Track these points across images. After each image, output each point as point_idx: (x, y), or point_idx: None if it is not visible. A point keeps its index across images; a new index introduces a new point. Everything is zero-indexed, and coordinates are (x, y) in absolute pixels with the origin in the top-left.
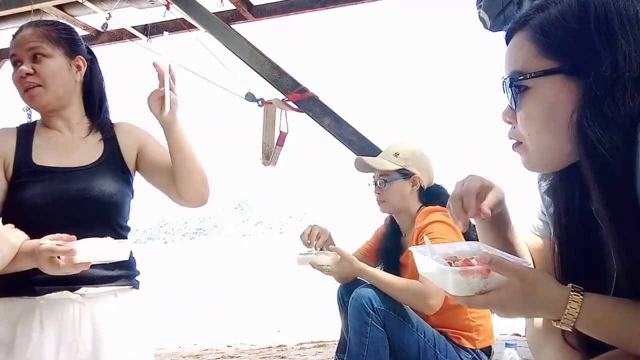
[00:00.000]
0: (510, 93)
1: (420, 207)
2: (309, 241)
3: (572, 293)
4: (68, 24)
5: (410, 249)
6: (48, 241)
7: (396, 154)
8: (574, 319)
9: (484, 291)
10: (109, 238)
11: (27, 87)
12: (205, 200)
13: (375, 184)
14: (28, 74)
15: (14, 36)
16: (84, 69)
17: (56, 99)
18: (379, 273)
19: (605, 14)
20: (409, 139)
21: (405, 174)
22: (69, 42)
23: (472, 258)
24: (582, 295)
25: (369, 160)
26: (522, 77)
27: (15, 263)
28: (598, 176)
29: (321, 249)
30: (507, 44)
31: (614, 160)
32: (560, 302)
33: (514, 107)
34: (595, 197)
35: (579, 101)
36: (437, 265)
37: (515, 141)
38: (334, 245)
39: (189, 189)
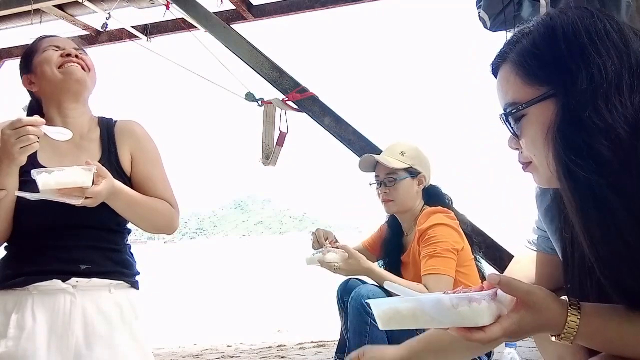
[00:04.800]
0: (510, 124)
1: (423, 207)
2: (320, 245)
3: (570, 308)
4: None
5: (376, 305)
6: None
7: (402, 153)
8: (574, 334)
9: (496, 317)
10: (75, 167)
11: (72, 64)
12: (172, 232)
13: (382, 184)
14: (76, 56)
15: (46, 36)
16: None
17: (92, 85)
18: (387, 275)
19: (574, 33)
20: (409, 139)
21: (412, 172)
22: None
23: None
24: (579, 309)
25: (380, 158)
26: (515, 109)
27: None
28: (572, 185)
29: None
30: (496, 77)
31: (594, 167)
32: (561, 318)
33: (516, 136)
34: (569, 208)
35: (556, 117)
36: (444, 299)
37: (525, 163)
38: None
39: (150, 230)
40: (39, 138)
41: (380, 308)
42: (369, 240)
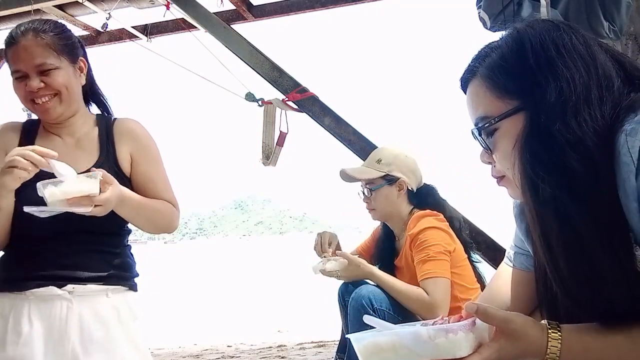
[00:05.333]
0: (482, 138)
1: (411, 210)
2: (322, 250)
3: (549, 331)
4: (64, 24)
5: (357, 341)
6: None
7: (379, 161)
8: (557, 358)
9: (474, 347)
10: (80, 175)
11: (40, 101)
12: (172, 231)
13: (363, 193)
14: (39, 89)
15: (11, 44)
16: (85, 70)
17: (69, 108)
18: (388, 278)
19: (541, 46)
20: (392, 144)
21: (389, 179)
22: (70, 47)
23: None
24: (559, 332)
25: (351, 171)
26: (487, 123)
27: None
28: (535, 199)
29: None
30: (465, 93)
31: (560, 178)
32: (542, 343)
33: (488, 150)
34: (531, 220)
35: (524, 130)
36: (421, 330)
37: (498, 177)
38: (341, 249)
39: (151, 232)
40: (37, 167)
41: (360, 343)
42: (363, 245)
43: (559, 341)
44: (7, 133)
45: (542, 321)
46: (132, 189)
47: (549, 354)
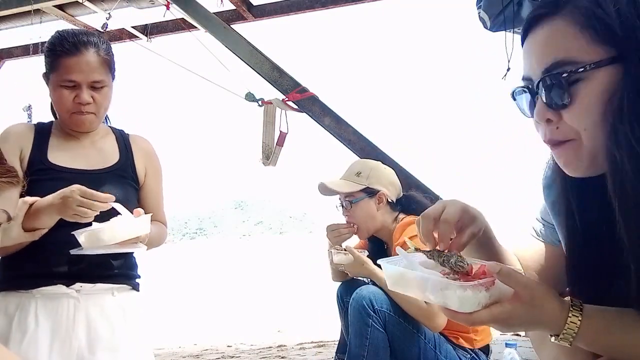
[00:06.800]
0: (559, 86)
1: (396, 217)
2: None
3: (572, 308)
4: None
5: (388, 268)
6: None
7: (358, 174)
8: (574, 335)
9: (487, 304)
10: (126, 216)
11: (82, 114)
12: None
13: (342, 207)
14: (88, 103)
15: (71, 53)
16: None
17: (99, 123)
18: None
19: None
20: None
21: (369, 192)
22: (114, 65)
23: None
24: (581, 310)
25: (331, 184)
26: (577, 69)
27: (37, 215)
28: (635, 167)
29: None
30: (529, 31)
31: None
32: (560, 317)
33: (566, 101)
34: (615, 194)
35: (624, 85)
36: (436, 279)
37: (560, 140)
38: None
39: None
40: (98, 212)
41: (390, 270)
42: (360, 243)
43: (579, 318)
44: (22, 133)
45: (566, 298)
46: (137, 197)
47: (567, 329)
